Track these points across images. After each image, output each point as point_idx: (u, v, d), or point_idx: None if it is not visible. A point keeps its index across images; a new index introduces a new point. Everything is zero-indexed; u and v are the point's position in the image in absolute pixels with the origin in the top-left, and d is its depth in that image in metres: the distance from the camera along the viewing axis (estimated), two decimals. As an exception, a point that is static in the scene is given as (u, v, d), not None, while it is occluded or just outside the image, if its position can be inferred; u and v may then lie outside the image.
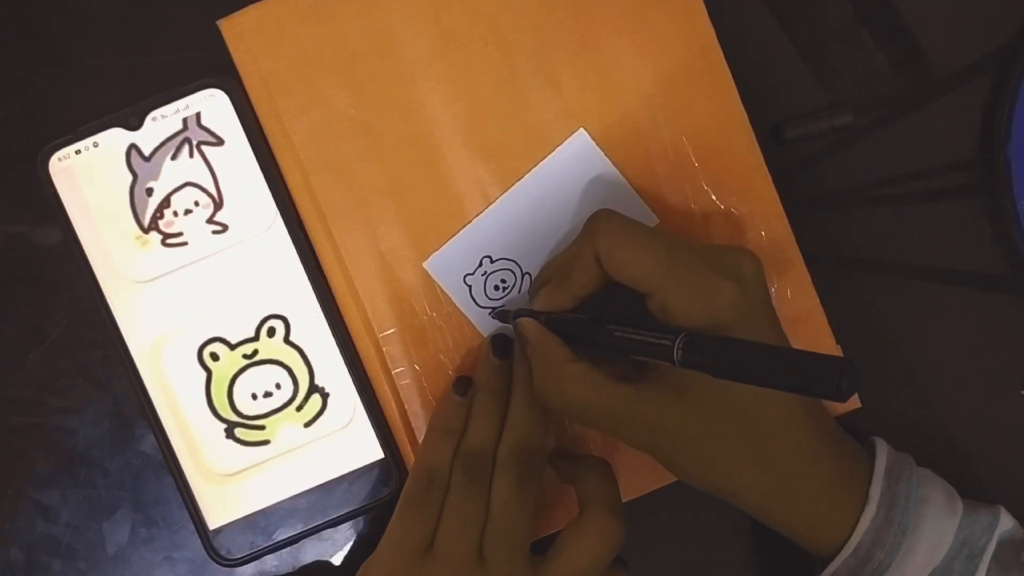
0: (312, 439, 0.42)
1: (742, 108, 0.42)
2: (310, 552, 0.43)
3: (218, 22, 0.41)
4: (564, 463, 0.40)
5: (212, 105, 0.41)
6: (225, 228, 0.42)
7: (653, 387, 0.35)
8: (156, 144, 0.42)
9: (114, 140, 0.41)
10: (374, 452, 0.42)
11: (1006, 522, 0.37)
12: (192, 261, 0.42)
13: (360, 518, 0.43)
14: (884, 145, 0.44)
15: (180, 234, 0.42)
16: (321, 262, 0.42)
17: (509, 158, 0.42)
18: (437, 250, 0.42)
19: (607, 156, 0.42)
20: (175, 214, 0.42)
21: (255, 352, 0.42)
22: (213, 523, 0.42)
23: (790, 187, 0.42)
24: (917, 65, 0.44)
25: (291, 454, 0.42)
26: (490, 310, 0.42)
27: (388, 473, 0.42)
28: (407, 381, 0.42)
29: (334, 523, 0.42)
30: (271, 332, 0.42)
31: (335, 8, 0.41)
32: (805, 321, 0.42)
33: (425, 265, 0.42)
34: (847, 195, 0.44)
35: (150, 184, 0.42)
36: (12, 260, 0.43)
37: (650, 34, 0.42)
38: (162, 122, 0.41)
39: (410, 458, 0.42)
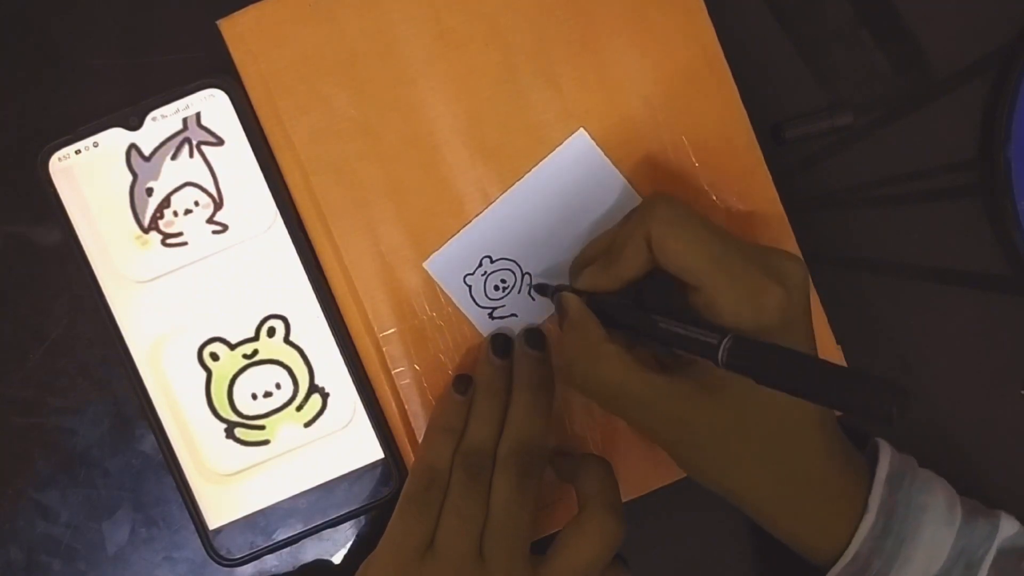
0: (312, 439, 0.42)
1: (742, 108, 0.42)
2: (310, 552, 0.43)
3: (218, 22, 0.41)
4: (564, 462, 0.40)
5: (212, 105, 0.41)
6: (225, 228, 0.42)
7: (685, 381, 0.35)
8: (156, 144, 0.42)
9: (114, 140, 0.41)
10: (374, 452, 0.42)
11: (1007, 528, 0.37)
12: (192, 261, 0.42)
13: (360, 518, 0.43)
14: (884, 145, 0.44)
15: (180, 234, 0.42)
16: (321, 262, 0.42)
17: (509, 158, 0.42)
18: (437, 250, 0.42)
19: (607, 156, 0.42)
20: (175, 214, 0.42)
21: (255, 352, 0.42)
22: (213, 523, 0.42)
23: (790, 187, 0.42)
24: (917, 65, 0.44)
25: (291, 454, 0.42)
26: (490, 310, 0.42)
27: (388, 473, 0.42)
28: (407, 381, 0.42)
29: (334, 523, 0.42)
30: (271, 332, 0.42)
31: (335, 8, 0.41)
32: (805, 321, 0.42)
33: (425, 265, 0.42)
34: (847, 195, 0.44)
35: (150, 184, 0.42)
36: (12, 260, 0.43)
37: (650, 34, 0.42)
38: (162, 122, 0.41)
39: (410, 458, 0.42)
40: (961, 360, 0.45)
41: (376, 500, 0.42)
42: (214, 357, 0.42)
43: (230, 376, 0.42)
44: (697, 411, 0.35)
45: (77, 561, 0.43)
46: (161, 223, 0.42)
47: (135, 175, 0.42)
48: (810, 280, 0.36)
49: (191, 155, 0.42)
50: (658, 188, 0.42)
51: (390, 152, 0.42)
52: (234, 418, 0.42)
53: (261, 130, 0.42)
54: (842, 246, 0.44)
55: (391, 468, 0.42)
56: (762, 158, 0.42)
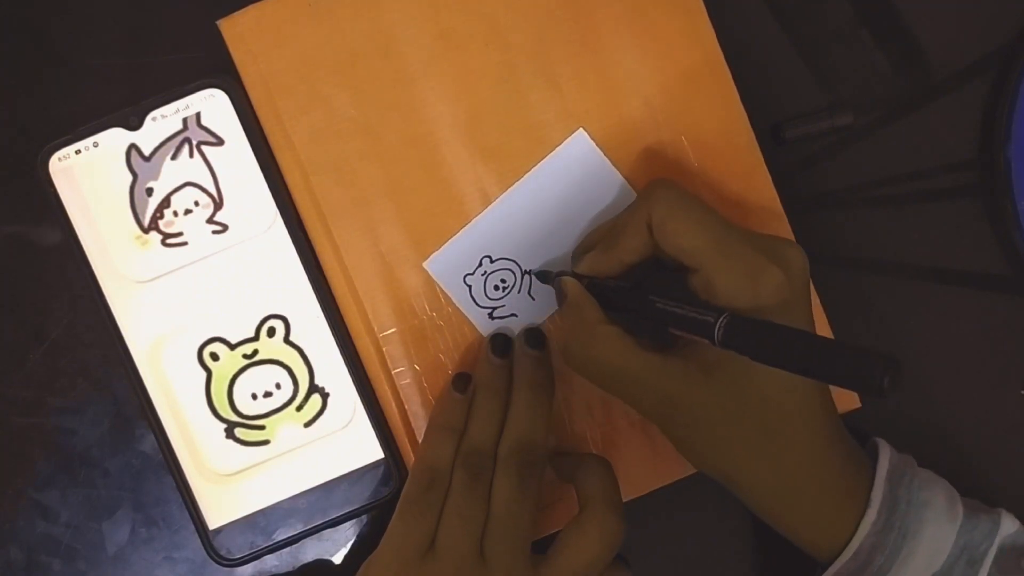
0: (312, 439, 0.42)
1: (742, 108, 0.42)
2: (310, 552, 0.43)
3: (218, 22, 0.41)
4: (564, 462, 0.40)
5: (212, 105, 0.41)
6: (225, 228, 0.42)
7: (680, 361, 0.35)
8: (156, 144, 0.42)
9: (114, 140, 0.41)
10: (374, 452, 0.42)
11: (1008, 526, 0.37)
12: (192, 261, 0.42)
13: (360, 518, 0.43)
14: (884, 145, 0.44)
15: (180, 234, 0.42)
16: (321, 262, 0.42)
17: (509, 158, 0.42)
18: (437, 250, 0.42)
19: (607, 156, 0.42)
20: (175, 214, 0.42)
21: (255, 352, 0.42)
22: (213, 523, 0.42)
23: (790, 187, 0.42)
24: (917, 65, 0.44)
25: (291, 454, 0.42)
26: (490, 310, 0.42)
27: (388, 473, 0.42)
28: (407, 381, 0.42)
29: (334, 523, 0.42)
30: (271, 332, 0.42)
31: (335, 8, 0.41)
32: (805, 321, 0.42)
33: (425, 265, 0.42)
34: (847, 195, 0.44)
35: (150, 184, 0.42)
36: (12, 260, 0.43)
37: (650, 34, 0.42)
38: (162, 122, 0.41)
39: (410, 458, 0.42)
40: (961, 360, 0.45)
41: (376, 500, 0.42)
42: (214, 357, 0.42)
43: (230, 376, 0.42)
44: (693, 391, 0.35)
45: (77, 561, 0.43)
46: (161, 223, 0.42)
47: (135, 175, 0.42)
48: (808, 269, 0.36)
49: (191, 155, 0.42)
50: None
51: (390, 152, 0.42)
52: (234, 418, 0.42)
53: (261, 130, 0.42)
54: (842, 246, 0.44)
55: (391, 468, 0.42)
56: (762, 158, 0.42)
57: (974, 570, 0.36)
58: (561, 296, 0.39)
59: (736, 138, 0.42)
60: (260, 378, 0.42)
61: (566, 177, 0.42)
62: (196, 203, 0.42)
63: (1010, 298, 0.45)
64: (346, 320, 0.42)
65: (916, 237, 0.45)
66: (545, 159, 0.42)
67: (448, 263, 0.42)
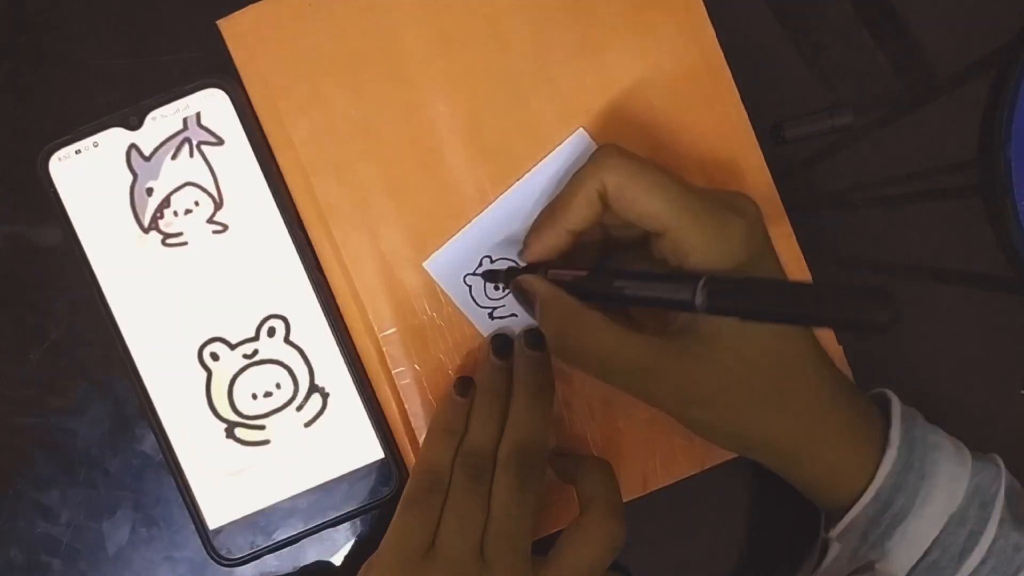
0: (312, 439, 0.42)
1: (742, 108, 0.42)
2: (310, 552, 0.43)
3: (218, 22, 0.41)
4: (564, 463, 0.40)
5: (212, 105, 0.41)
6: (225, 228, 0.42)
7: (679, 337, 0.34)
8: (156, 144, 0.42)
9: (114, 140, 0.41)
10: (374, 452, 0.42)
11: (1005, 473, 0.37)
12: (192, 261, 0.42)
13: (360, 518, 0.43)
14: (884, 145, 0.44)
15: (180, 234, 0.42)
16: (321, 262, 0.42)
17: (509, 158, 0.42)
18: (437, 250, 0.42)
19: (607, 156, 0.42)
20: (175, 214, 0.42)
21: (255, 352, 0.42)
22: (213, 523, 0.42)
23: (790, 187, 0.42)
24: (917, 65, 0.44)
25: (291, 454, 0.42)
26: (490, 310, 0.42)
27: (388, 473, 0.42)
28: (407, 381, 0.42)
29: (334, 523, 0.42)
30: (271, 332, 0.42)
31: (335, 8, 0.41)
32: (805, 321, 0.42)
33: (425, 265, 0.42)
34: (847, 195, 0.44)
35: (150, 184, 0.42)
36: (12, 260, 0.43)
37: (650, 34, 0.42)
38: (162, 122, 0.41)
39: (410, 458, 0.42)
40: (961, 360, 0.45)
41: (376, 500, 0.42)
42: (214, 357, 0.42)
43: (230, 376, 0.42)
44: (700, 365, 0.34)
45: (77, 561, 0.43)
46: (161, 223, 0.42)
47: (135, 175, 0.42)
48: (763, 215, 0.35)
49: (191, 155, 0.42)
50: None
51: (390, 152, 0.42)
52: (234, 418, 0.42)
53: (261, 130, 0.42)
54: (842, 246, 0.44)
55: (391, 468, 0.42)
56: (762, 158, 0.42)
57: (987, 512, 0.36)
58: (523, 297, 0.37)
59: (736, 138, 0.42)
60: (260, 378, 0.42)
61: (566, 176, 0.42)
62: (196, 203, 0.42)
63: (1010, 298, 0.45)
64: (346, 320, 0.42)
65: (916, 237, 0.45)
66: (545, 159, 0.42)
67: (448, 263, 0.42)
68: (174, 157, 0.42)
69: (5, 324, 0.43)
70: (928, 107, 0.44)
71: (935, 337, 0.44)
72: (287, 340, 0.42)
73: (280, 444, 0.42)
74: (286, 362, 0.42)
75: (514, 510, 0.37)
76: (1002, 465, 0.37)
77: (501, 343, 0.41)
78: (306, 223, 0.42)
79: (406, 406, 0.42)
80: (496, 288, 0.42)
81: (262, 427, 0.42)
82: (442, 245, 0.42)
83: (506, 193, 0.42)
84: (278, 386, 0.42)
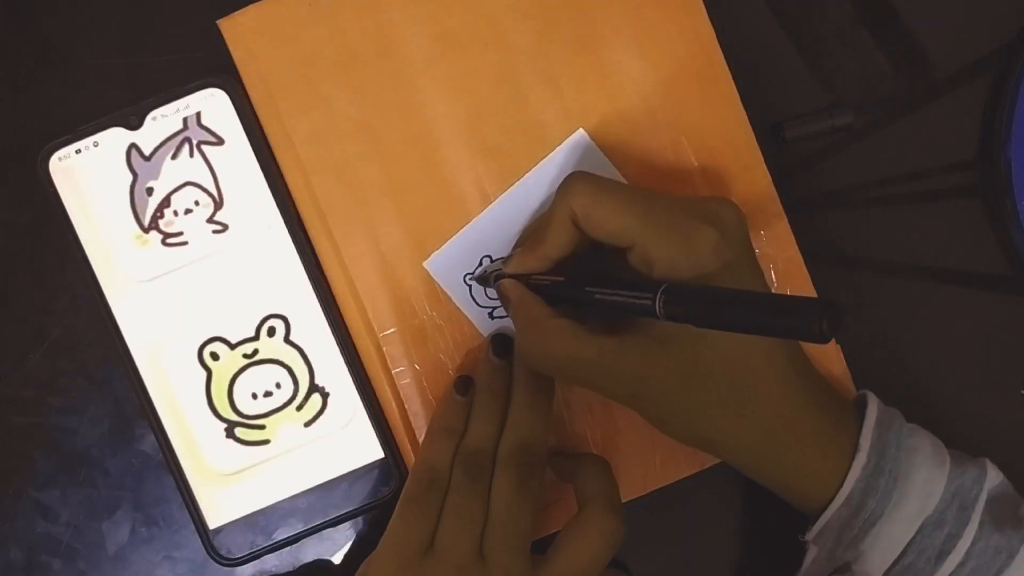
0: (312, 439, 0.42)
1: (742, 108, 0.42)
2: (310, 552, 0.43)
3: (218, 22, 0.41)
4: (563, 461, 0.40)
5: (212, 105, 0.41)
6: (225, 228, 0.42)
7: (637, 338, 0.35)
8: (156, 144, 0.42)
9: (114, 140, 0.41)
10: (374, 452, 0.42)
11: (993, 476, 0.37)
12: (192, 261, 0.42)
13: (360, 518, 0.43)
14: (884, 145, 0.44)
15: (180, 234, 0.42)
16: (321, 262, 0.42)
17: (509, 158, 0.42)
18: (437, 250, 0.42)
19: (606, 156, 0.42)
20: (175, 214, 0.42)
21: (255, 352, 0.42)
22: (213, 523, 0.42)
23: (790, 187, 0.42)
24: (917, 65, 0.44)
25: (291, 454, 0.42)
26: (490, 310, 0.42)
27: (388, 473, 0.42)
28: (407, 381, 0.42)
29: (334, 523, 0.42)
30: (271, 332, 0.42)
31: (335, 8, 0.41)
32: (805, 321, 0.42)
33: (425, 265, 0.42)
34: (847, 195, 0.44)
35: (150, 184, 0.42)
36: (12, 261, 0.43)
37: (650, 34, 0.42)
38: (162, 121, 0.41)
39: (410, 458, 0.42)
40: (961, 360, 0.45)
41: (376, 500, 0.42)
42: (214, 357, 0.42)
43: (230, 376, 0.42)
44: (654, 365, 0.35)
45: (77, 561, 0.43)
46: (161, 223, 0.42)
47: (135, 175, 0.42)
48: (746, 223, 0.36)
49: (191, 155, 0.42)
50: (658, 187, 0.42)
51: (390, 152, 0.42)
52: (234, 418, 0.42)
53: (261, 130, 0.42)
54: (842, 246, 0.44)
55: (391, 468, 0.42)
56: (762, 158, 0.42)
57: (966, 515, 0.36)
58: (504, 299, 0.39)
59: (736, 138, 0.42)
60: (260, 378, 0.42)
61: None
62: (196, 203, 0.42)
63: (1010, 298, 0.45)
64: (346, 320, 0.42)
65: (916, 237, 0.45)
66: (545, 159, 0.42)
67: (448, 263, 0.42)
68: (174, 157, 0.42)
69: (5, 324, 0.43)
70: (928, 107, 0.44)
71: (935, 337, 0.44)
72: (287, 340, 0.42)
73: (280, 444, 0.42)
74: (286, 362, 0.42)
75: (513, 509, 0.37)
76: (988, 468, 0.37)
77: (501, 342, 0.41)
78: (306, 223, 0.42)
79: (406, 406, 0.42)
80: (486, 292, 0.42)
81: (262, 427, 0.42)
82: (442, 245, 0.42)
83: (506, 193, 0.42)
84: (278, 386, 0.42)
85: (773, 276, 0.42)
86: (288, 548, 0.43)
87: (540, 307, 0.37)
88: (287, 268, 0.42)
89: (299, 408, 0.42)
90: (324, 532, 0.43)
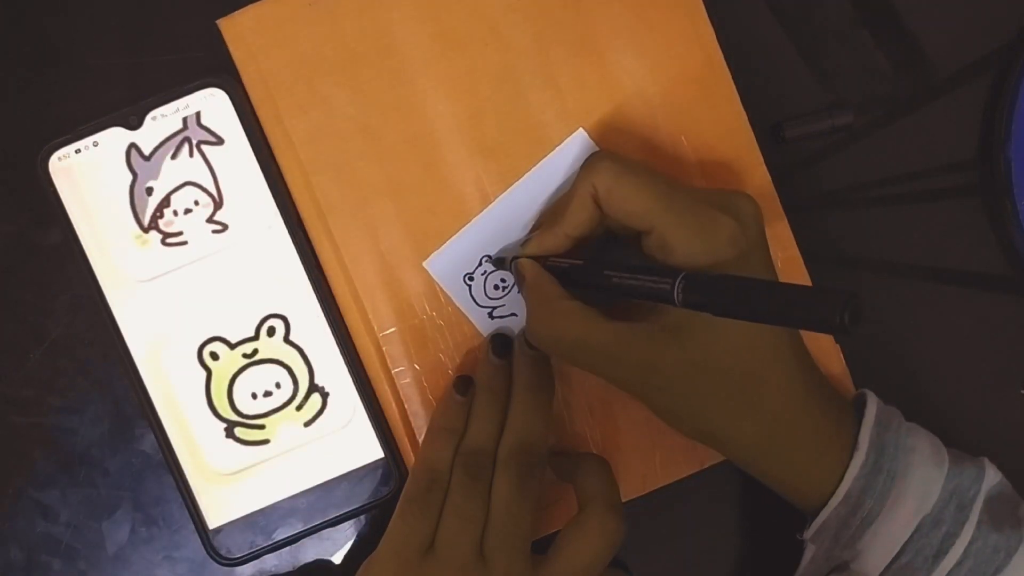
0: (312, 439, 0.42)
1: (742, 108, 0.42)
2: (310, 552, 0.43)
3: (218, 22, 0.41)
4: (563, 461, 0.40)
5: (212, 105, 0.41)
6: (225, 227, 0.42)
7: (647, 326, 0.35)
8: (156, 143, 0.42)
9: (114, 139, 0.41)
10: (374, 452, 0.42)
11: (992, 476, 0.37)
12: (192, 260, 0.42)
13: (360, 518, 0.43)
14: (884, 145, 0.44)
15: (180, 233, 0.42)
16: (321, 262, 0.42)
17: (509, 158, 0.42)
18: (437, 250, 0.42)
19: (607, 156, 0.42)
20: (175, 213, 0.42)
21: (255, 351, 0.42)
22: (213, 523, 0.42)
23: (790, 187, 0.42)
24: (917, 65, 0.44)
25: (291, 454, 0.42)
26: (490, 310, 0.42)
27: (388, 473, 0.42)
28: (407, 380, 0.42)
29: (334, 523, 0.42)
30: (271, 331, 0.42)
31: (335, 8, 0.41)
32: (805, 321, 0.42)
33: (425, 265, 0.42)
34: (847, 195, 0.44)
35: (150, 183, 0.42)
36: (12, 260, 0.43)
37: (650, 34, 0.42)
38: (162, 121, 0.41)
39: (410, 458, 0.42)
40: (961, 360, 0.45)
41: (376, 500, 0.42)
42: (214, 356, 0.42)
43: (230, 375, 0.42)
44: (663, 353, 0.35)
45: (77, 561, 0.43)
46: (161, 222, 0.42)
47: (135, 174, 0.42)
48: (762, 215, 0.36)
49: (191, 154, 0.42)
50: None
51: (390, 152, 0.42)
52: (234, 417, 0.42)
53: (261, 130, 0.42)
54: (842, 246, 0.44)
55: (391, 468, 0.42)
56: (762, 158, 0.42)
57: (964, 514, 0.36)
58: (520, 278, 0.39)
59: (736, 138, 0.42)
60: (260, 378, 0.42)
61: (566, 177, 0.42)
62: (196, 202, 0.42)
63: (1010, 298, 0.45)
64: (346, 320, 0.42)
65: (916, 237, 0.45)
66: (545, 159, 0.42)
67: (448, 263, 0.42)
68: (174, 157, 0.42)
69: (5, 324, 0.43)
70: (928, 107, 0.44)
71: (935, 337, 0.44)
72: (287, 339, 0.42)
73: (280, 444, 0.42)
74: (286, 362, 0.42)
75: (514, 509, 0.37)
76: (987, 468, 0.37)
77: (500, 343, 0.41)
78: (306, 223, 0.42)
79: (406, 406, 0.42)
80: (497, 288, 0.42)
81: (262, 427, 0.42)
82: (442, 245, 0.42)
83: (506, 193, 0.42)
84: (278, 386, 0.42)
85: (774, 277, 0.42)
86: (288, 548, 0.43)
87: (553, 287, 0.37)
88: (287, 268, 0.42)
89: (299, 408, 0.42)
90: (324, 532, 0.43)
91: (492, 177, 0.42)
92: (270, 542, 0.42)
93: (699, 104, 0.42)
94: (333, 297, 0.42)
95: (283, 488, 0.42)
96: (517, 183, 0.42)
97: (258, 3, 0.41)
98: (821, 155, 0.44)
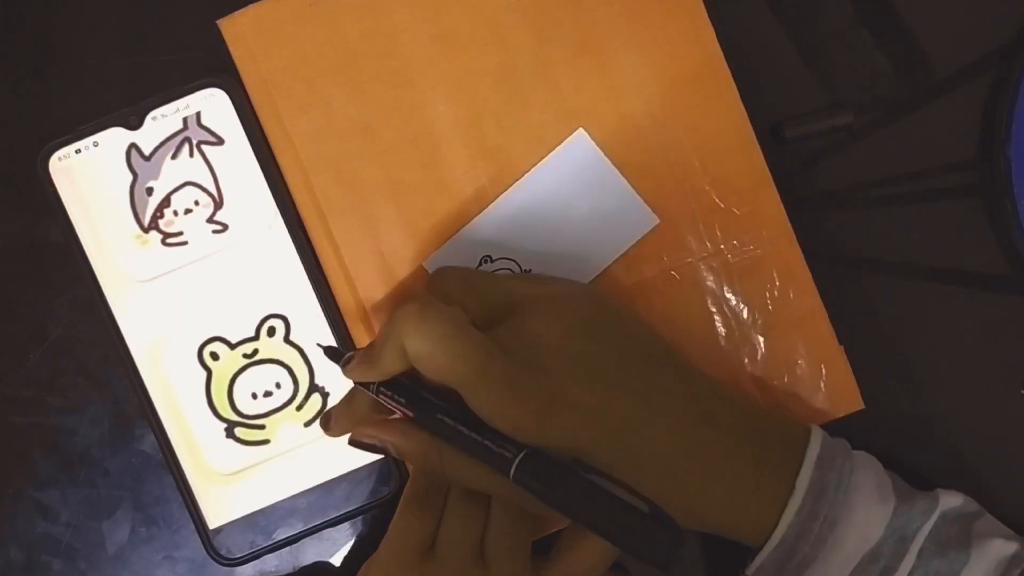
0: (312, 439, 0.42)
1: (742, 108, 0.42)
2: (310, 552, 0.43)
3: (218, 22, 0.41)
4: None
5: (212, 105, 0.41)
6: (225, 228, 0.42)
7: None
8: (156, 143, 0.42)
9: (114, 140, 0.41)
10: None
11: (950, 501, 0.37)
12: (192, 260, 0.42)
13: (360, 518, 0.43)
14: (884, 145, 0.44)
15: (180, 233, 0.42)
16: (321, 262, 0.42)
17: (509, 158, 0.42)
18: (437, 250, 0.42)
19: (606, 156, 0.42)
20: (175, 213, 0.42)
21: (255, 351, 0.42)
22: (213, 523, 0.42)
23: (790, 187, 0.42)
24: (917, 65, 0.44)
25: (291, 454, 0.42)
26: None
27: (388, 473, 0.42)
28: (407, 381, 0.42)
29: (334, 523, 0.42)
30: (271, 331, 0.42)
31: (335, 8, 0.41)
32: (807, 321, 0.42)
33: (425, 265, 0.42)
34: (847, 195, 0.44)
35: (150, 183, 0.42)
36: (12, 260, 0.43)
37: (650, 34, 0.42)
38: (162, 121, 0.41)
39: (410, 458, 0.42)
40: (961, 360, 0.45)
41: (376, 500, 0.42)
42: (214, 357, 0.42)
43: (230, 376, 0.42)
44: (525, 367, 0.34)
45: (77, 561, 0.43)
46: (161, 222, 0.42)
47: (135, 175, 0.42)
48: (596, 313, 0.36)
49: (191, 155, 0.42)
50: (658, 188, 0.42)
51: (390, 152, 0.42)
52: (234, 417, 0.42)
53: (261, 130, 0.42)
54: (842, 246, 0.44)
55: (391, 468, 0.42)
56: (762, 158, 0.42)
57: (904, 547, 0.35)
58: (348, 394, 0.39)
59: (736, 138, 0.42)
60: (260, 378, 0.42)
61: (566, 177, 0.42)
62: (196, 202, 0.42)
63: (1010, 298, 0.45)
64: (346, 320, 0.42)
65: (916, 237, 0.44)
66: (545, 159, 0.42)
67: (448, 263, 0.42)
68: (174, 157, 0.42)
69: (5, 324, 0.43)
70: (928, 107, 0.44)
71: (935, 337, 0.44)
72: (287, 339, 0.42)
73: (280, 444, 0.42)
74: (286, 362, 0.42)
75: (514, 510, 0.37)
76: (942, 498, 0.36)
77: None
78: (306, 223, 0.42)
79: (406, 406, 0.42)
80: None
81: (262, 427, 0.42)
82: (442, 245, 0.42)
83: (506, 193, 0.42)
84: (278, 386, 0.42)
85: (775, 276, 0.42)
86: (288, 548, 0.43)
87: (434, 445, 0.35)
88: (287, 268, 0.42)
89: (299, 408, 0.42)
90: (324, 532, 0.43)
91: (492, 177, 0.42)
92: (270, 542, 0.42)
93: (699, 104, 0.42)
94: (333, 297, 0.42)
95: (283, 488, 0.42)
96: (517, 183, 0.42)
97: (258, 3, 0.41)
98: (821, 155, 0.44)
